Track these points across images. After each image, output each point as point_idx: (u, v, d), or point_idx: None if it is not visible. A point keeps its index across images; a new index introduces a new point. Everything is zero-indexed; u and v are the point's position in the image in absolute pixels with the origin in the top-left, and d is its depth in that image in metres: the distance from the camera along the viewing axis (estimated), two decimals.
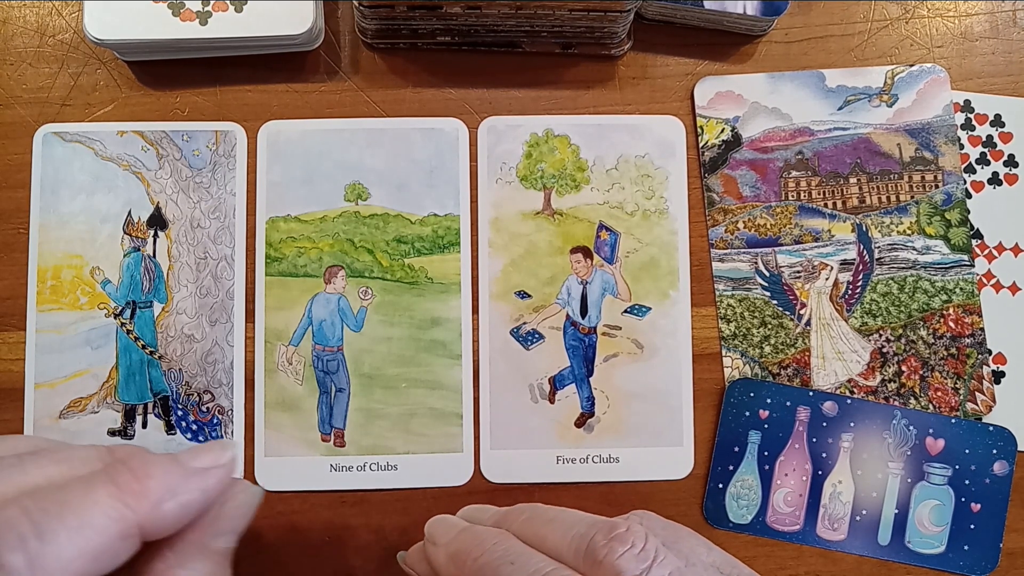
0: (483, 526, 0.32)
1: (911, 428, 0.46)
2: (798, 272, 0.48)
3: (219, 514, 0.28)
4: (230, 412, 0.46)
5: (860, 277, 0.48)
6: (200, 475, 0.27)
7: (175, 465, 0.27)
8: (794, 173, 0.48)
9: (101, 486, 0.25)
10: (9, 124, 0.47)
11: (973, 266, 0.48)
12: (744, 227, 0.48)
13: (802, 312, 0.48)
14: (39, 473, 0.25)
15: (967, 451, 0.46)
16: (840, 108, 0.49)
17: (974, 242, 0.48)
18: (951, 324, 0.47)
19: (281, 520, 0.45)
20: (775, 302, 0.48)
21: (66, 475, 0.25)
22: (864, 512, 0.46)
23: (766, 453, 0.46)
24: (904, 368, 0.47)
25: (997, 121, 0.49)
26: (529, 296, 0.47)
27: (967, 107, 0.49)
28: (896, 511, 0.46)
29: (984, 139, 0.49)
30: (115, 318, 0.46)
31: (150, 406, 0.46)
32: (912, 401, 0.47)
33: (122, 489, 0.25)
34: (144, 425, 0.46)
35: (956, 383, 0.47)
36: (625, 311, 0.47)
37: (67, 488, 0.24)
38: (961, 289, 0.47)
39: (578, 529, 0.28)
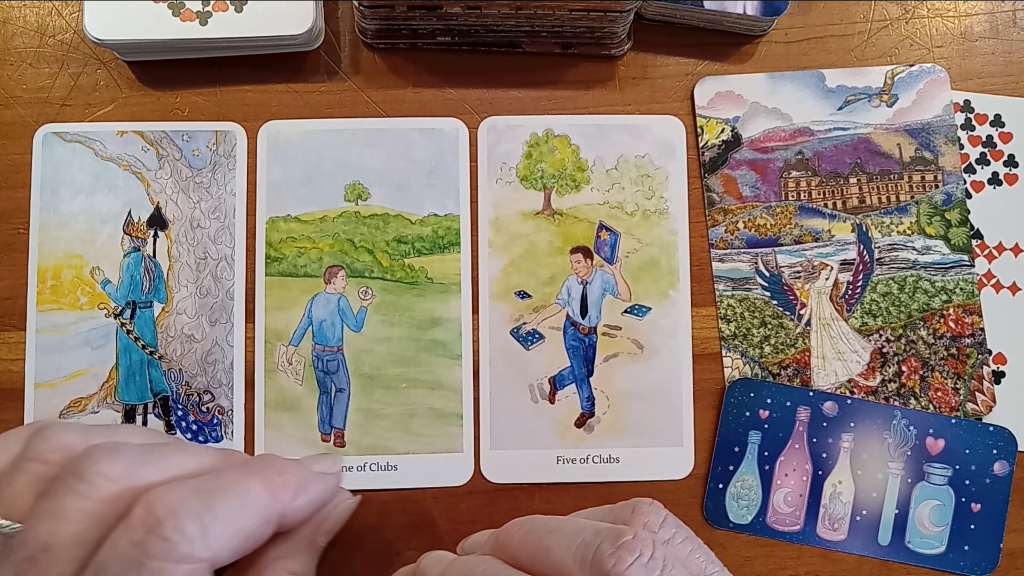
0: (473, 555, 0.32)
1: (911, 428, 0.46)
2: (798, 272, 0.48)
3: (324, 516, 0.33)
4: (230, 412, 0.46)
5: (860, 277, 0.48)
6: (322, 478, 0.32)
7: (303, 467, 0.31)
8: (794, 173, 0.48)
9: (253, 477, 0.28)
10: (9, 124, 0.47)
11: (973, 266, 0.48)
12: (744, 227, 0.48)
13: (802, 312, 0.48)
14: (178, 463, 0.28)
15: (967, 451, 0.46)
16: (840, 108, 0.49)
17: (974, 242, 0.48)
18: (951, 324, 0.47)
19: None
20: (775, 302, 0.48)
21: (199, 468, 0.29)
22: (864, 512, 0.46)
23: (766, 453, 0.46)
24: (904, 368, 0.47)
25: (997, 121, 0.49)
26: (529, 296, 0.47)
27: (967, 107, 0.49)
28: (896, 511, 0.46)
29: (984, 139, 0.49)
30: (115, 318, 0.46)
31: (150, 406, 0.46)
32: (912, 401, 0.47)
33: (270, 482, 0.29)
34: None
35: (956, 383, 0.47)
36: (625, 311, 0.47)
37: (224, 475, 0.28)
38: (961, 289, 0.47)
39: (583, 538, 0.28)
